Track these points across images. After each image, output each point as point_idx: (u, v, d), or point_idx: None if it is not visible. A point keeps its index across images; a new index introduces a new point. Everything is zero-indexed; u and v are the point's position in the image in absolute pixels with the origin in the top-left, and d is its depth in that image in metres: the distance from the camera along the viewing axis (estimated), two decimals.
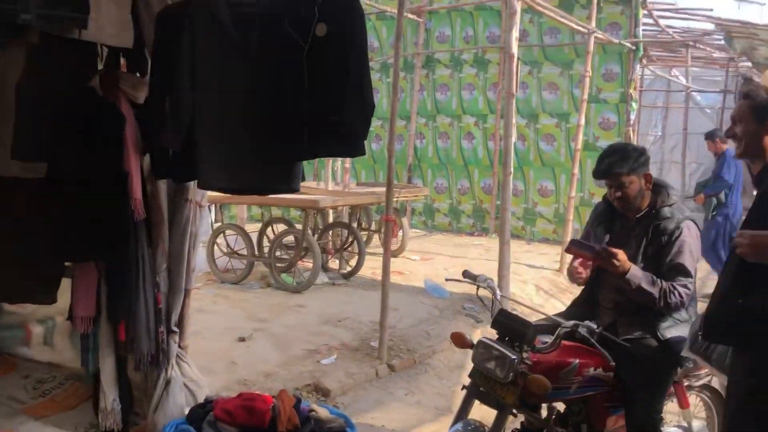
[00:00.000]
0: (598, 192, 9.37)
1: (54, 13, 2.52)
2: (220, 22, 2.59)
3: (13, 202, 3.08)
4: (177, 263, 3.18)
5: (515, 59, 5.99)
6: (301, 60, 2.62)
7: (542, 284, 7.31)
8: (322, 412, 3.16)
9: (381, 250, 8.25)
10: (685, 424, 3.27)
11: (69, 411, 3.38)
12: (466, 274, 3.07)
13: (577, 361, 2.86)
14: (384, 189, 7.99)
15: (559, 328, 2.70)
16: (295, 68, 2.63)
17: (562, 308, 6.73)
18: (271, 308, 5.81)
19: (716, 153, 7.87)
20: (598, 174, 3.08)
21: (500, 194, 9.78)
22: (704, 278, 7.37)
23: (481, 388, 2.76)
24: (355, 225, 7.67)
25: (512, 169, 6.02)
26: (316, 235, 7.21)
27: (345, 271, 7.24)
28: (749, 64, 14.77)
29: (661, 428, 2.99)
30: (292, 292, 6.39)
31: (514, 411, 2.75)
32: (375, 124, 9.74)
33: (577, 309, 3.22)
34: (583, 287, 3.30)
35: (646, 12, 9.36)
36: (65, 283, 3.27)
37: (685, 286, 2.88)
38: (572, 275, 3.15)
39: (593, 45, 8.01)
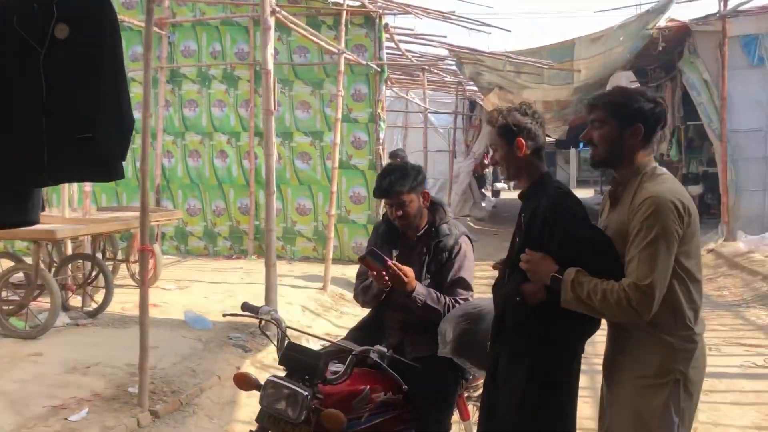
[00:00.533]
0: (354, 209, 9.61)
1: None
2: None
3: None
4: None
5: (272, 75, 5.83)
6: (37, 66, 2.14)
7: (308, 304, 7.21)
8: None
9: (129, 282, 7.62)
10: None
11: None
12: (245, 306, 2.79)
13: (368, 387, 2.75)
14: (130, 214, 7.39)
15: (351, 356, 2.56)
16: (29, 77, 2.14)
17: (330, 327, 6.80)
18: None
19: None
20: (380, 193, 3.02)
21: (258, 214, 9.70)
22: None
23: None
24: (99, 256, 6.85)
25: (275, 189, 5.84)
26: (52, 270, 6.29)
27: (90, 309, 6.41)
28: (475, 88, 16.47)
29: None
30: (25, 339, 5.46)
31: None
32: None
33: (364, 332, 3.13)
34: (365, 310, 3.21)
35: (388, 36, 9.84)
36: None
37: (466, 300, 2.94)
38: (364, 294, 3.07)
39: (343, 66, 8.18)
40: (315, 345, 3.62)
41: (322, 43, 7.63)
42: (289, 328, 2.74)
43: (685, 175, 13.16)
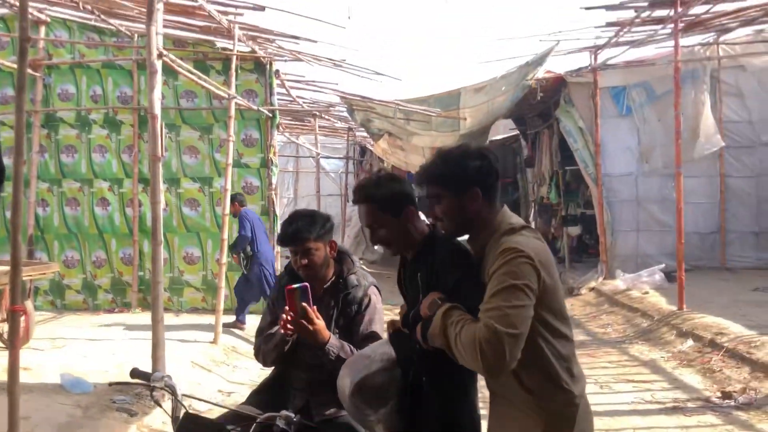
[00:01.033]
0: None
1: None
2: None
3: None
4: None
5: (158, 120, 5.59)
6: None
7: (198, 359, 6.84)
8: None
9: None
10: None
11: None
12: (135, 373, 2.54)
13: None
14: (0, 268, 6.76)
15: (255, 424, 2.39)
16: None
17: (223, 384, 6.47)
18: None
19: (235, 214, 8.42)
20: (285, 240, 2.85)
21: (142, 264, 9.21)
22: None
23: None
24: None
25: (162, 238, 5.55)
26: None
27: None
28: (365, 134, 16.68)
29: None
30: None
31: None
32: None
33: (266, 395, 2.93)
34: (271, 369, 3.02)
35: (279, 81, 9.78)
36: None
37: None
38: (266, 343, 2.88)
39: (233, 111, 8.03)
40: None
41: (212, 88, 7.44)
42: (186, 396, 2.53)
43: (564, 217, 13.83)
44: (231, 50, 8.26)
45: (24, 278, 6.74)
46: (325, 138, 16.90)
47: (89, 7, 7.75)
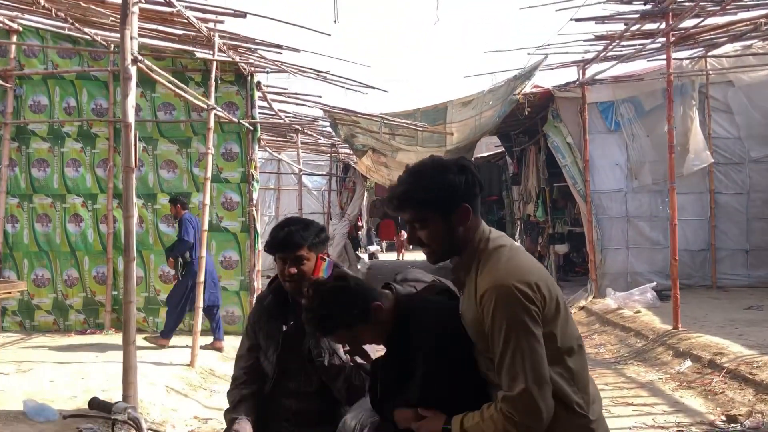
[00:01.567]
0: (225, 275, 8.96)
1: None
2: None
3: None
4: None
5: (132, 129, 5.26)
6: None
7: (173, 383, 6.45)
8: None
9: None
10: None
11: None
12: (94, 403, 2.19)
13: None
14: None
15: None
16: None
17: (200, 410, 6.08)
18: None
19: (176, 216, 8.19)
20: (275, 244, 2.54)
21: (116, 283, 8.79)
22: None
23: None
24: None
25: (134, 255, 5.19)
26: None
27: None
28: (348, 150, 16.41)
29: None
30: None
31: None
32: None
33: (240, 412, 2.61)
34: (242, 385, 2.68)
35: (260, 94, 9.48)
36: None
37: (368, 373, 2.53)
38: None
39: (213, 123, 7.71)
40: None
41: (191, 99, 7.12)
42: (153, 431, 2.18)
43: (552, 235, 13.63)
44: (210, 61, 7.96)
45: None
46: (307, 155, 16.59)
47: (63, 15, 7.41)
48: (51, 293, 9.07)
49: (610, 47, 9.77)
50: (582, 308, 10.88)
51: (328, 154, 16.38)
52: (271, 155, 13.87)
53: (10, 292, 7.10)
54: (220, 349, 7.92)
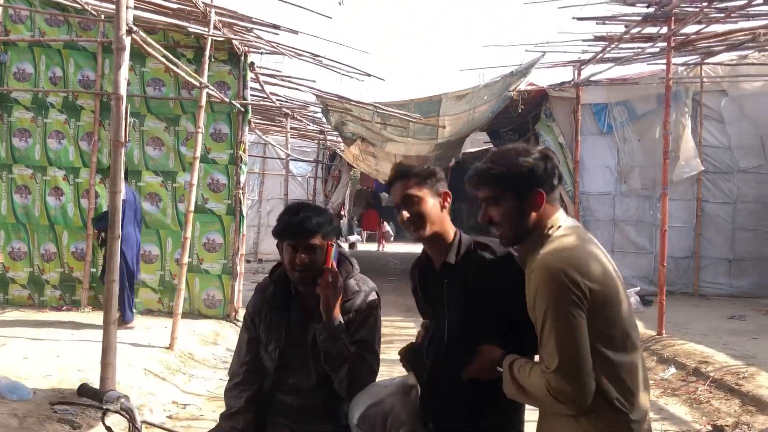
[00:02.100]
0: (207, 257, 8.78)
1: None
2: None
3: None
4: None
5: (124, 102, 5.08)
6: None
7: (151, 366, 6.27)
8: None
9: None
10: None
11: None
12: (84, 390, 2.03)
13: None
14: None
15: None
16: None
17: (178, 394, 5.92)
18: None
19: None
20: (289, 230, 2.38)
21: (95, 261, 8.55)
22: None
23: None
24: None
25: (120, 232, 5.02)
26: None
27: None
28: (336, 138, 16.24)
29: None
30: None
31: None
32: None
33: (240, 421, 2.46)
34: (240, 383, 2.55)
35: (253, 75, 9.28)
36: None
37: (371, 367, 2.41)
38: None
39: (204, 101, 7.51)
40: None
41: (184, 75, 6.92)
42: (146, 423, 2.04)
43: None
44: (204, 38, 7.75)
45: None
46: (294, 140, 16.38)
47: None
48: (27, 267, 8.82)
49: (609, 49, 9.70)
50: None
51: (316, 141, 16.19)
52: (260, 138, 13.64)
53: None
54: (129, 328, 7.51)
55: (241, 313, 8.87)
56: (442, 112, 10.21)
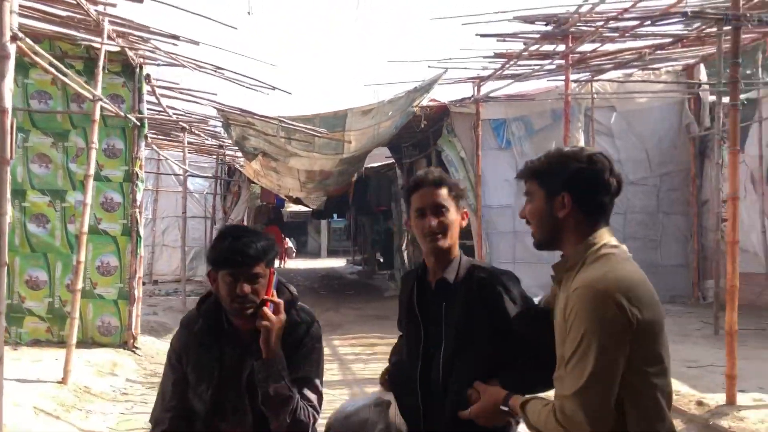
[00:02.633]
0: (101, 282, 8.22)
1: None
2: None
3: None
4: None
5: (9, 115, 4.62)
6: None
7: (43, 404, 5.73)
8: None
9: None
10: None
11: None
12: None
13: None
14: None
15: None
16: None
17: None
18: None
19: None
20: (232, 258, 2.15)
21: None
22: None
23: None
24: None
25: (6, 259, 4.54)
26: None
27: None
28: (234, 153, 15.80)
29: None
30: None
31: None
32: None
33: None
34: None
35: (149, 88, 8.83)
36: None
37: (315, 409, 2.22)
38: None
39: (98, 115, 7.03)
40: None
41: (75, 86, 6.44)
42: None
43: None
44: (97, 48, 7.27)
45: None
46: (191, 155, 15.80)
47: None
48: None
49: (508, 65, 9.97)
50: None
51: (215, 156, 15.68)
52: (158, 153, 13.03)
53: None
54: None
55: (141, 340, 8.37)
56: (347, 126, 10.12)
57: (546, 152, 2.03)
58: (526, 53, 9.25)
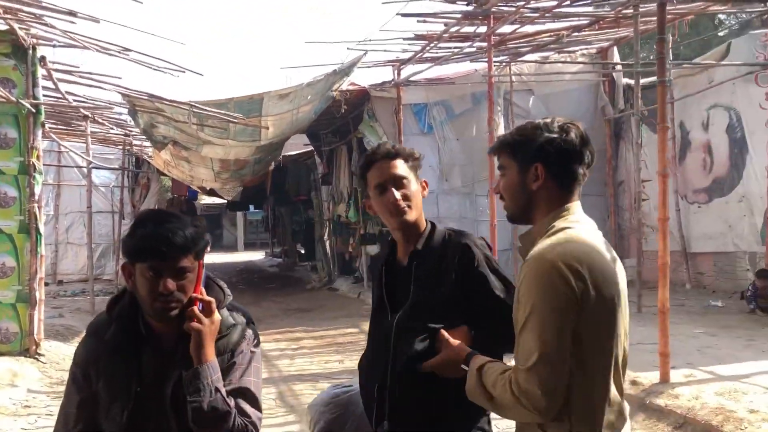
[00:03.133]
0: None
1: None
2: None
3: None
4: None
5: None
6: None
7: None
8: None
9: None
10: None
11: None
12: None
13: None
14: None
15: None
16: None
17: None
18: None
19: None
20: (154, 248, 1.77)
21: None
22: None
23: None
24: None
25: None
26: None
27: None
28: (142, 143, 14.97)
29: None
30: None
31: None
32: None
33: None
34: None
35: (45, 72, 8.08)
36: None
37: (254, 426, 1.87)
38: None
39: None
40: None
41: None
42: None
43: (363, 235, 13.52)
44: None
45: None
46: (96, 146, 14.84)
47: None
48: None
49: (428, 48, 9.79)
50: None
51: (121, 147, 14.80)
52: (58, 144, 12.11)
53: None
54: None
55: (45, 345, 7.69)
56: (264, 111, 9.65)
57: (519, 125, 1.97)
58: (446, 35, 9.08)
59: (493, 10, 8.03)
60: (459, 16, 8.32)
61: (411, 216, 2.18)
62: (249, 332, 1.97)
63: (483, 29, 8.83)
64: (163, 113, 9.50)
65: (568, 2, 8.11)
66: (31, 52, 7.53)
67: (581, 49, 11.80)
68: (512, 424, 1.88)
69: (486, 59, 9.86)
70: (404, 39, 9.58)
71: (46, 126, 9.48)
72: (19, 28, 7.24)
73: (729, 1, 8.78)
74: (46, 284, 11.49)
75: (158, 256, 1.77)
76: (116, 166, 15.14)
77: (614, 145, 12.35)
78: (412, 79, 11.17)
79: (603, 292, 1.71)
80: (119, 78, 8.35)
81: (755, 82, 9.41)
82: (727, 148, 10.10)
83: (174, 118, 9.72)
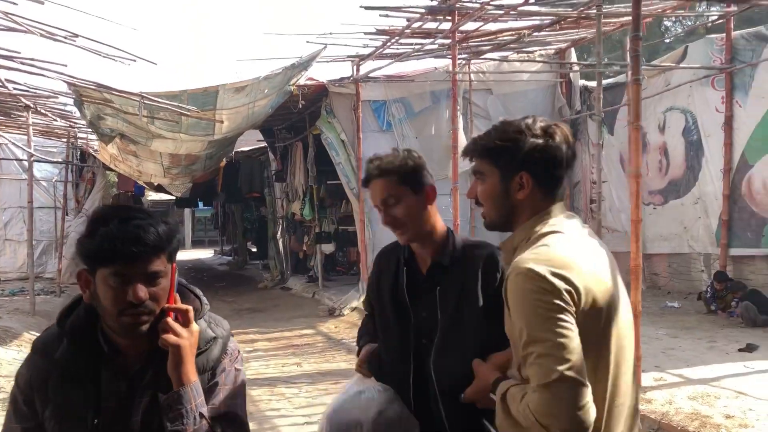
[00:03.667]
0: None
1: None
2: None
3: None
4: None
5: None
6: None
7: None
8: None
9: None
10: None
11: None
12: None
13: None
14: None
15: None
16: None
17: None
18: None
19: None
20: (120, 249, 1.46)
21: None
22: None
23: None
24: None
25: None
26: None
27: None
28: (87, 135, 14.36)
29: None
30: None
31: None
32: None
33: None
34: None
35: None
36: None
37: None
38: None
39: None
40: None
41: None
42: None
43: (318, 234, 13.26)
44: None
45: None
46: (37, 139, 14.15)
47: None
48: None
49: (390, 43, 9.59)
50: (354, 309, 10.61)
51: (65, 140, 14.15)
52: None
53: None
54: None
55: None
56: (219, 105, 9.27)
57: (495, 125, 1.80)
58: (409, 30, 8.90)
59: (457, 6, 7.88)
60: (423, 11, 8.14)
61: (407, 236, 2.12)
62: (231, 346, 1.71)
63: (446, 26, 8.67)
64: (112, 104, 9.05)
65: (533, 0, 8.01)
66: None
67: (540, 50, 11.79)
68: None
69: (448, 56, 9.75)
70: (365, 33, 9.35)
71: None
72: None
73: None
74: None
75: (126, 258, 1.47)
76: (59, 160, 14.51)
77: None
78: (371, 75, 10.95)
79: (596, 303, 1.58)
80: (65, 66, 7.85)
81: (711, 86, 9.52)
82: (683, 151, 10.21)
83: (123, 109, 9.27)
